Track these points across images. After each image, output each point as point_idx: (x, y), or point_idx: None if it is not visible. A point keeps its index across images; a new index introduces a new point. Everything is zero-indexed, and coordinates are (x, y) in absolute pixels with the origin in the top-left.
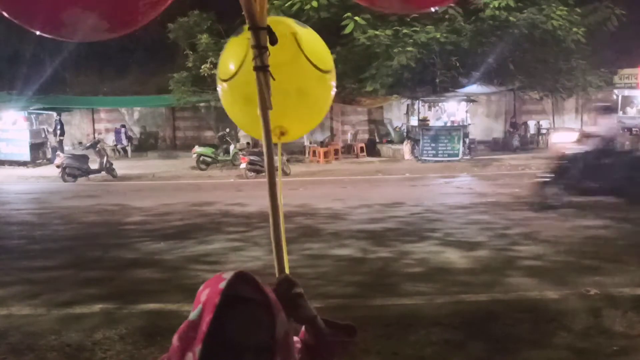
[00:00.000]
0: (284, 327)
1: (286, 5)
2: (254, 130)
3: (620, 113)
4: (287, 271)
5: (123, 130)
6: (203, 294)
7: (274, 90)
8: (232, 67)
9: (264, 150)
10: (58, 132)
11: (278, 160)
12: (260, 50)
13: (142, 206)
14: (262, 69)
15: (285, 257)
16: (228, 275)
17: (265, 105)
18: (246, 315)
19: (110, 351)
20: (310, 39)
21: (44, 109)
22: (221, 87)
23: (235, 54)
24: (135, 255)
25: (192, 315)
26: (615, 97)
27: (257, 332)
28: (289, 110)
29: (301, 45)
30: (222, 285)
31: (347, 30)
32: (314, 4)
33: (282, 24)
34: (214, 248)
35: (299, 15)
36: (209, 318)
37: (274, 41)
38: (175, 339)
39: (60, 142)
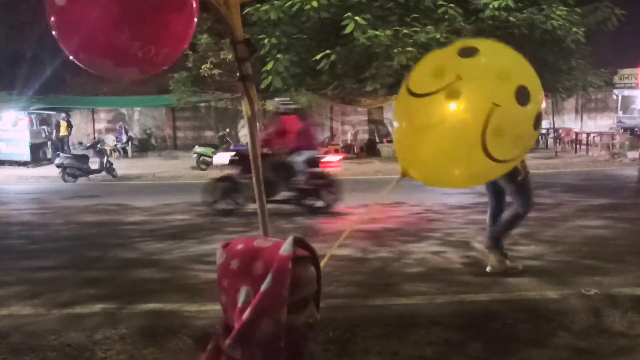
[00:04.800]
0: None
1: (286, 5)
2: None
3: (620, 113)
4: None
5: (122, 130)
6: (256, 267)
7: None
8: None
9: (250, 150)
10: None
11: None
12: (240, 62)
13: (142, 206)
14: (244, 78)
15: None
16: (267, 243)
17: (251, 112)
18: (308, 271)
19: (110, 351)
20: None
21: (44, 109)
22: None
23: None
24: (135, 255)
25: (264, 287)
26: (615, 97)
27: (313, 282)
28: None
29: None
30: (287, 252)
31: (347, 30)
32: (314, 4)
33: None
34: (214, 248)
35: (299, 15)
36: (288, 283)
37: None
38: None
39: (61, 140)
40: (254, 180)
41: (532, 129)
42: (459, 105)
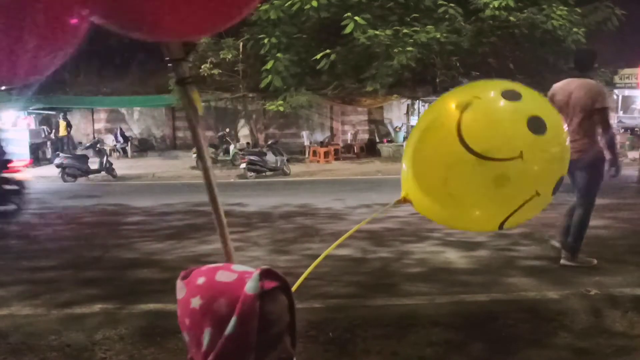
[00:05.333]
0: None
1: (286, 5)
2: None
3: (620, 113)
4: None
5: (119, 131)
6: (218, 305)
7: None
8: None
9: (199, 158)
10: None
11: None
12: (175, 63)
13: (142, 206)
14: (182, 81)
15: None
16: (231, 277)
17: (194, 119)
18: (279, 303)
19: (110, 351)
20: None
21: (44, 109)
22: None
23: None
24: (135, 255)
25: (228, 331)
26: (615, 97)
27: (286, 313)
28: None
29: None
30: (252, 290)
31: (347, 30)
32: (314, 3)
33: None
34: (214, 248)
35: (298, 15)
36: (256, 326)
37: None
38: None
39: (61, 140)
40: (208, 195)
41: (551, 195)
42: (516, 185)
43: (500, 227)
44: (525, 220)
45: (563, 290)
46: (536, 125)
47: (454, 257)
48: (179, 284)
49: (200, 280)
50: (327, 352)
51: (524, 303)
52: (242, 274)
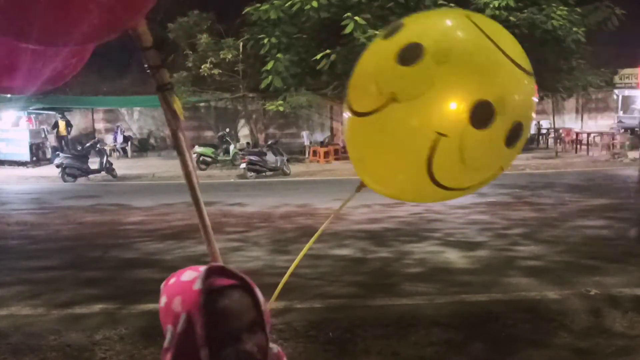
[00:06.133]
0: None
1: (286, 5)
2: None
3: (620, 113)
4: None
5: (119, 130)
6: (175, 304)
7: None
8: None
9: (181, 168)
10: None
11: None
12: (153, 70)
13: (142, 206)
14: (161, 88)
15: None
16: (191, 275)
17: (175, 126)
18: (233, 301)
19: (110, 351)
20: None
21: (44, 109)
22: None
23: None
24: (135, 255)
25: (179, 327)
26: (615, 97)
27: (248, 311)
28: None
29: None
30: (197, 286)
31: (347, 30)
32: (314, 4)
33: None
34: None
35: (299, 15)
36: (202, 321)
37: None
38: (168, 357)
39: (61, 140)
40: (192, 198)
41: (504, 148)
42: (397, 132)
43: (440, 185)
44: (481, 174)
45: (563, 290)
46: (407, 54)
47: (454, 257)
48: (162, 286)
49: (172, 280)
50: (327, 352)
51: (524, 303)
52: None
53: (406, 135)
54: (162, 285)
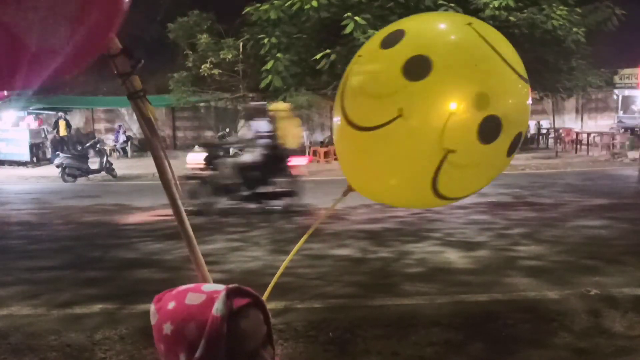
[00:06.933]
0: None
1: (286, 5)
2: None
3: (620, 113)
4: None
5: (120, 129)
6: (189, 330)
7: None
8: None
9: (161, 182)
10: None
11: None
12: (123, 77)
13: (142, 206)
14: (133, 96)
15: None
16: (199, 298)
17: (150, 134)
18: (250, 320)
19: (110, 351)
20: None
21: (44, 108)
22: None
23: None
24: (135, 255)
25: (198, 354)
26: (615, 97)
27: (261, 328)
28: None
29: None
30: (219, 311)
31: (347, 30)
32: (314, 3)
33: None
34: (214, 248)
35: (299, 15)
36: (225, 346)
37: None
38: None
39: (61, 140)
40: (172, 208)
41: (505, 158)
42: (404, 148)
43: (441, 196)
44: (474, 187)
45: (563, 290)
46: (414, 68)
47: (454, 257)
48: (152, 309)
49: (171, 305)
50: (327, 352)
51: (524, 303)
52: (211, 294)
53: (413, 151)
54: (153, 308)
